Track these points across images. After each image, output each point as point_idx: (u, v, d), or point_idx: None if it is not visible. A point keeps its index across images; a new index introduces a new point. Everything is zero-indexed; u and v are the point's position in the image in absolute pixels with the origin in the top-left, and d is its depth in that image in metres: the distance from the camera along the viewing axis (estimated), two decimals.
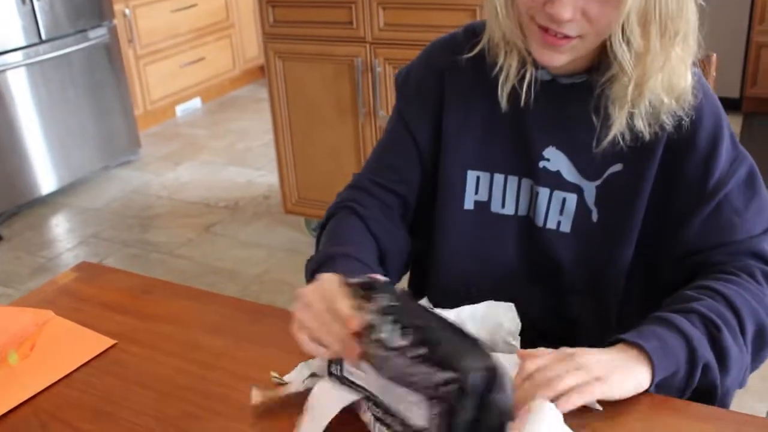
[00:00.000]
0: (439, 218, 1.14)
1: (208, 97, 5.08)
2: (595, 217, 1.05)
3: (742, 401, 2.09)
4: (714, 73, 1.28)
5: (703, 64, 1.25)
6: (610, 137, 0.99)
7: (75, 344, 1.06)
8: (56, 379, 0.99)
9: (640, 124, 0.98)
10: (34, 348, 1.05)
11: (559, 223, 1.07)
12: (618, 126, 0.98)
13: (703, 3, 1.00)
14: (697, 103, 1.00)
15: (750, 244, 1.00)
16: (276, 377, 0.93)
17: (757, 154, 3.90)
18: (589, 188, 1.05)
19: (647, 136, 0.99)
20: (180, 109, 4.88)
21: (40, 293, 1.20)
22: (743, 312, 0.93)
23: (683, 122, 0.99)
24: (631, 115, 0.98)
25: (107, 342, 1.05)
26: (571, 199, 1.06)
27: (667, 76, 0.95)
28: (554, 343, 0.92)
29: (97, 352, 1.04)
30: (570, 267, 1.08)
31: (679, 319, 0.91)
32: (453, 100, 1.11)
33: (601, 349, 0.89)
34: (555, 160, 1.05)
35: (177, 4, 4.57)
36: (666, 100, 0.97)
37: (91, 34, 3.79)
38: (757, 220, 1.02)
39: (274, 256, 3.05)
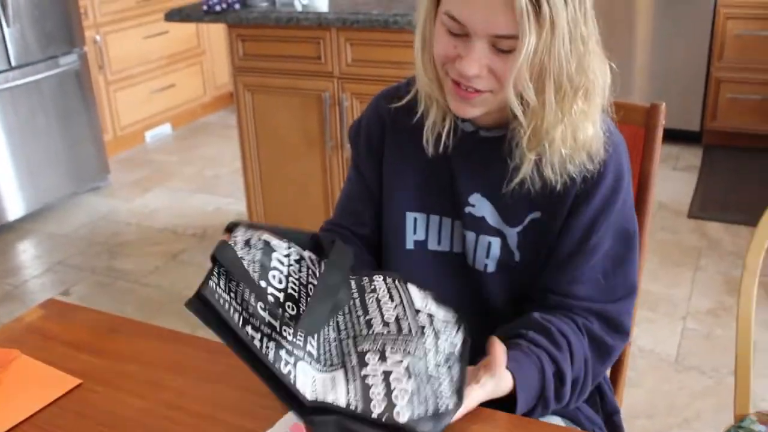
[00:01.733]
0: (386, 258, 1.22)
1: (178, 123, 5.09)
2: (517, 258, 1.13)
3: (693, 428, 2.15)
4: (663, 121, 1.33)
5: (652, 111, 1.30)
6: (515, 182, 1.06)
7: (40, 384, 1.07)
8: (22, 419, 1.01)
9: (549, 173, 1.05)
10: None
11: (485, 264, 1.14)
12: (523, 173, 1.05)
13: (612, 65, 1.08)
14: (606, 157, 1.06)
15: (602, 311, 1.10)
16: None
17: (718, 185, 4.00)
18: (511, 234, 1.12)
19: (558, 186, 1.06)
20: (150, 135, 4.89)
21: (6, 331, 1.22)
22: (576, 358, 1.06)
23: (589, 174, 1.06)
24: (537, 165, 1.05)
25: (72, 382, 1.08)
26: (496, 242, 1.13)
27: (569, 130, 1.02)
28: None
29: (62, 392, 1.06)
30: (498, 302, 1.16)
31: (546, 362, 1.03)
32: (391, 146, 1.20)
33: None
34: (480, 206, 1.12)
35: (148, 30, 4.60)
36: (568, 152, 1.03)
37: (62, 60, 3.80)
38: (620, 287, 1.10)
39: None
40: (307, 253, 1.03)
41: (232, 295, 0.90)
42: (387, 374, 0.87)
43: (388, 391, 0.85)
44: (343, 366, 0.91)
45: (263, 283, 0.93)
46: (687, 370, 2.42)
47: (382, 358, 0.90)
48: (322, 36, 2.65)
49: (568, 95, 0.99)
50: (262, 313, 0.90)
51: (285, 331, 0.90)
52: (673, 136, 4.13)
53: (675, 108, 3.98)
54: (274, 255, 0.98)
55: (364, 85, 2.63)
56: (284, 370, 0.86)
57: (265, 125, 2.92)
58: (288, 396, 0.84)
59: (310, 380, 0.87)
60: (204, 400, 1.03)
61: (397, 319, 0.96)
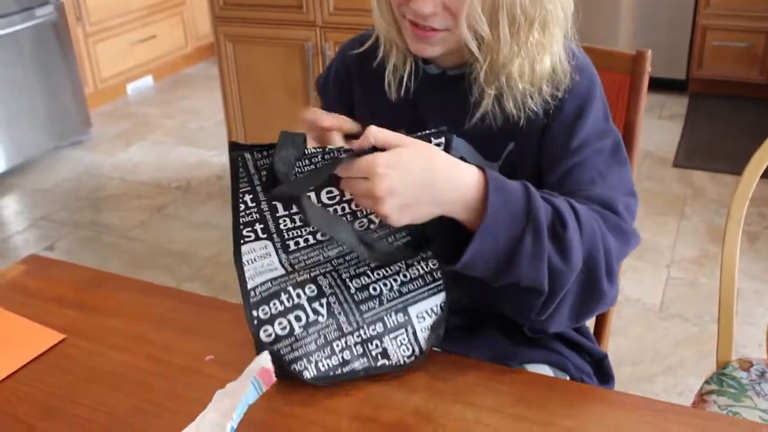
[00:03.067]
0: None
1: (159, 75, 5.03)
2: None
3: (677, 375, 2.18)
4: (649, 68, 1.32)
5: (638, 59, 1.29)
6: (476, 118, 1.04)
7: (23, 339, 1.07)
8: (5, 375, 1.01)
9: (510, 107, 1.03)
10: None
11: None
12: (483, 108, 1.03)
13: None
14: (573, 85, 1.04)
15: (605, 197, 1.01)
16: None
17: (703, 134, 4.02)
18: (493, 168, 1.08)
19: (521, 121, 1.04)
20: (131, 88, 4.83)
21: None
22: (584, 225, 0.94)
23: (552, 106, 1.03)
24: (498, 100, 1.03)
25: (56, 337, 1.07)
26: None
27: (526, 63, 1.00)
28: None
29: (46, 348, 1.05)
30: None
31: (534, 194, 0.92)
32: (358, 94, 1.18)
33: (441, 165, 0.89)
34: (457, 146, 1.09)
35: None
36: (527, 85, 1.01)
37: (38, 12, 3.72)
38: (618, 185, 1.03)
39: (227, 238, 3.05)
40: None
41: (263, 172, 0.96)
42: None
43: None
44: (295, 272, 0.99)
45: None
46: (671, 317, 2.45)
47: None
48: None
49: (523, 28, 0.97)
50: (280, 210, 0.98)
51: (281, 220, 0.98)
52: (658, 85, 4.11)
53: (661, 56, 3.97)
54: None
55: (347, 34, 2.56)
56: (246, 232, 0.99)
57: (247, 76, 2.88)
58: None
59: (260, 251, 0.99)
60: (188, 353, 1.03)
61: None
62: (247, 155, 0.94)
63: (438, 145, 0.93)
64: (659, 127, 3.85)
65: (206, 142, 4.01)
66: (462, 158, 1.06)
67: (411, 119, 1.12)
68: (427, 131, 0.93)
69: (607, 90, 1.16)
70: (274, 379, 0.87)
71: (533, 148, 1.07)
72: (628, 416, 0.89)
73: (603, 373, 1.24)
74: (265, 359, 0.86)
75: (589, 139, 1.04)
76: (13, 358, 1.03)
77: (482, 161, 1.10)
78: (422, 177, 0.87)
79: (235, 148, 0.94)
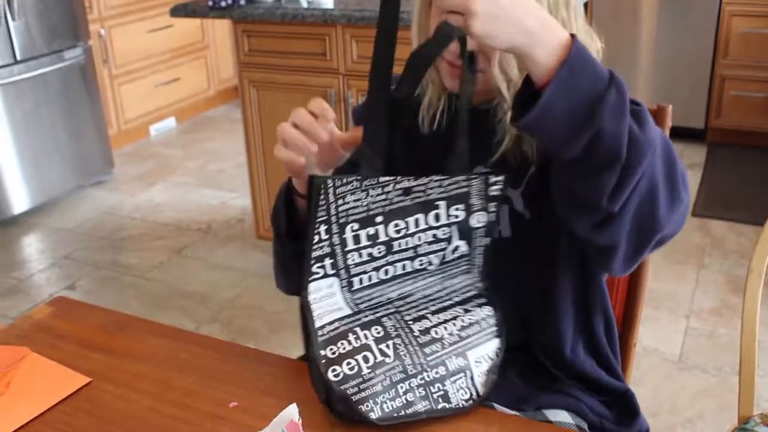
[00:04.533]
0: None
1: (182, 117, 5.10)
2: (528, 216, 1.12)
3: (696, 428, 2.15)
4: (670, 123, 1.33)
5: (658, 114, 1.30)
6: (495, 157, 1.08)
7: (50, 382, 1.08)
8: (32, 417, 1.02)
9: (526, 148, 1.07)
10: (9, 385, 1.08)
11: (499, 231, 1.13)
12: (503, 148, 1.07)
13: (602, 46, 1.08)
14: None
15: None
16: None
17: (722, 184, 4.00)
18: (516, 195, 1.11)
19: (535, 159, 1.07)
20: (154, 129, 4.90)
21: (15, 328, 1.23)
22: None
23: None
24: (518, 139, 1.07)
25: (82, 380, 1.08)
26: (504, 209, 1.12)
27: None
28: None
29: (72, 390, 1.07)
30: (523, 269, 1.15)
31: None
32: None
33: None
34: None
35: (153, 24, 4.60)
36: None
37: (67, 54, 3.81)
38: None
39: (246, 281, 3.08)
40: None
41: (340, 202, 0.96)
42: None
43: None
44: (361, 313, 1.02)
45: (379, 219, 0.99)
46: (690, 369, 2.43)
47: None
48: (328, 33, 2.66)
49: None
50: (349, 233, 0.99)
51: (349, 255, 1.00)
52: (677, 134, 4.11)
53: (679, 105, 3.98)
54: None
55: None
56: (315, 269, 0.99)
57: (270, 121, 2.92)
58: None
59: (325, 290, 1.00)
60: (212, 399, 1.04)
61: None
62: (330, 181, 0.94)
63: (496, 183, 1.02)
64: None
65: (227, 184, 4.05)
66: None
67: (443, 150, 1.15)
68: (486, 170, 1.02)
69: None
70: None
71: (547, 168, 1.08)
72: None
73: (626, 409, 1.21)
74: (293, 412, 0.87)
75: None
76: (39, 400, 1.05)
77: (507, 189, 1.11)
78: None
79: (312, 177, 0.95)
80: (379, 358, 0.98)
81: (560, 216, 1.01)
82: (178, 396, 1.05)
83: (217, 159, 4.43)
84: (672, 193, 0.94)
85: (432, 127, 1.16)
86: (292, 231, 1.13)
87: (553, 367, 1.16)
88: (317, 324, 0.99)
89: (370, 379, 0.96)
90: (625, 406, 1.21)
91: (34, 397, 1.05)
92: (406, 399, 0.97)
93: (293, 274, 1.15)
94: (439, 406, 0.98)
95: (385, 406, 0.96)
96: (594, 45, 1.06)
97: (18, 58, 3.58)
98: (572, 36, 0.88)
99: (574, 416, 1.14)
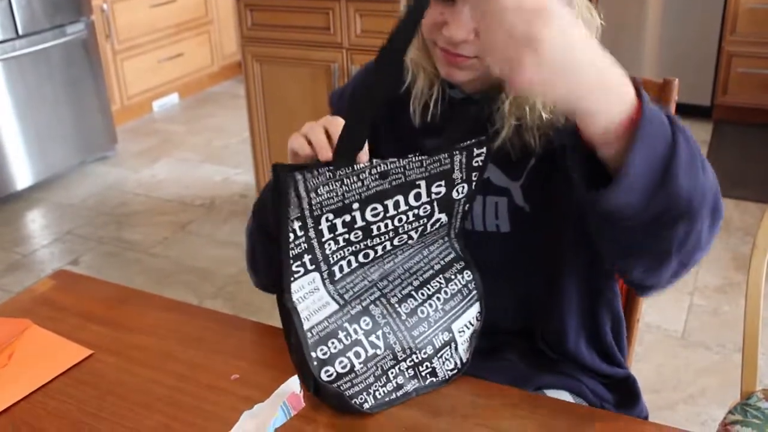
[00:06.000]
0: None
1: (185, 93, 5.08)
2: (528, 209, 1.09)
3: (699, 404, 2.16)
4: (676, 97, 1.32)
5: (665, 87, 1.29)
6: (496, 145, 1.02)
7: (52, 354, 1.08)
8: (34, 389, 1.02)
9: (528, 137, 1.03)
10: (12, 357, 1.08)
11: (497, 225, 1.11)
12: (501, 138, 1.03)
13: (602, 23, 1.03)
14: None
15: None
16: None
17: (728, 161, 3.98)
18: (515, 188, 1.08)
19: (538, 149, 1.03)
20: (157, 105, 4.88)
21: (17, 301, 1.23)
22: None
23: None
24: (518, 128, 1.03)
25: (84, 352, 1.08)
26: (502, 202, 1.09)
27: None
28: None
29: (74, 362, 1.07)
30: (520, 264, 1.12)
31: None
32: (379, 118, 1.15)
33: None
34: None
35: None
36: (549, 116, 1.01)
37: (69, 29, 3.78)
38: None
39: None
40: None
41: (312, 195, 0.92)
42: None
43: None
44: (348, 305, 0.99)
45: (355, 206, 0.95)
46: (693, 345, 2.43)
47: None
48: (332, 6, 2.64)
49: None
50: (324, 222, 0.94)
51: (326, 245, 0.96)
52: (683, 111, 4.07)
53: (686, 82, 3.94)
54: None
55: (373, 56, 2.60)
56: (295, 267, 0.94)
57: (273, 96, 2.91)
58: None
59: (308, 287, 0.97)
60: (214, 371, 1.03)
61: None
62: (299, 176, 0.90)
63: (479, 155, 0.96)
64: None
65: (230, 160, 4.04)
66: (488, 179, 1.08)
67: (435, 144, 1.13)
68: (470, 142, 0.95)
69: None
70: (303, 404, 0.87)
71: (556, 161, 1.04)
72: None
73: (627, 393, 1.21)
74: (295, 384, 0.87)
75: None
76: (41, 373, 1.05)
77: (507, 181, 1.10)
78: (586, 36, 0.72)
79: (279, 169, 0.91)
80: (371, 351, 0.98)
81: (606, 266, 0.96)
82: (179, 368, 1.05)
83: (220, 135, 4.42)
84: (715, 216, 0.89)
85: (425, 119, 1.11)
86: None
87: (552, 354, 1.15)
88: (305, 326, 0.96)
89: (362, 373, 0.97)
90: (626, 391, 1.21)
91: (36, 369, 1.06)
92: (396, 383, 0.98)
93: (261, 271, 1.14)
94: (427, 382, 0.99)
95: (377, 393, 0.96)
96: (594, 22, 1.03)
97: (20, 32, 3.56)
98: (634, 82, 0.77)
99: (575, 396, 1.14)
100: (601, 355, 1.19)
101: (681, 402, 2.19)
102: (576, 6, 1.00)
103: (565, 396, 1.12)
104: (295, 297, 0.96)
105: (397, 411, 0.95)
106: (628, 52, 4.20)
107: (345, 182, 0.92)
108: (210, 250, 3.14)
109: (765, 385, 1.42)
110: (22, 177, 3.69)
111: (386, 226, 0.97)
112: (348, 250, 0.98)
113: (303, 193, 0.91)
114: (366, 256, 1.00)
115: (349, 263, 0.99)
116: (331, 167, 0.91)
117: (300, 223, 0.93)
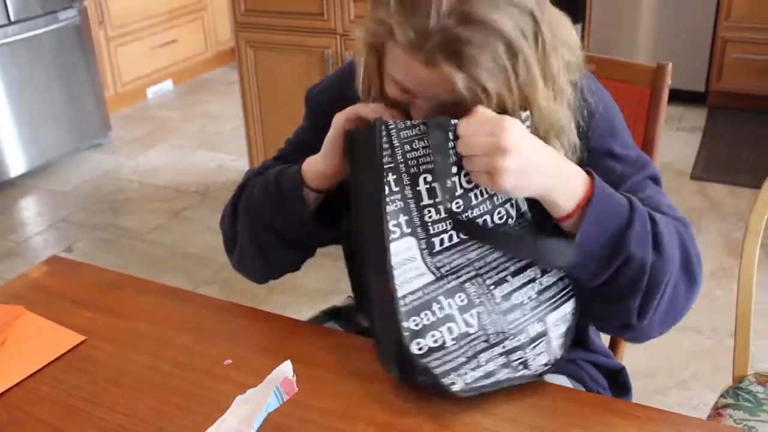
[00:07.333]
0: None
1: (179, 80, 5.06)
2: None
3: (691, 389, 2.17)
4: (670, 82, 1.32)
5: (658, 72, 1.29)
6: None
7: (45, 340, 1.09)
8: (27, 375, 1.02)
9: None
10: (5, 343, 1.08)
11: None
12: None
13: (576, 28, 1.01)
14: (590, 120, 1.01)
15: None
16: None
17: (722, 147, 3.97)
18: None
19: None
20: (151, 92, 4.87)
21: (10, 287, 1.23)
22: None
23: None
24: None
25: (77, 338, 1.09)
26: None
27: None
28: None
29: (67, 348, 1.07)
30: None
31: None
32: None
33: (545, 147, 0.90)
34: None
35: None
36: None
37: (62, 15, 3.76)
38: (671, 208, 1.03)
39: None
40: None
41: (406, 148, 0.88)
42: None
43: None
44: (444, 279, 0.93)
45: (454, 169, 0.90)
46: (685, 330, 2.44)
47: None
48: None
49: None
50: (422, 184, 0.90)
51: (425, 211, 0.91)
52: (677, 97, 4.10)
53: (680, 68, 3.94)
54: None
55: None
56: (392, 226, 0.89)
57: (267, 82, 2.90)
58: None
59: (406, 253, 0.90)
60: (208, 357, 1.04)
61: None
62: (392, 124, 0.85)
63: None
64: (677, 138, 3.84)
65: (225, 146, 4.03)
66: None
67: None
68: None
69: (627, 103, 1.17)
70: (296, 388, 0.87)
71: None
72: (643, 428, 0.89)
73: (619, 385, 1.24)
74: (287, 369, 0.87)
75: (625, 175, 1.03)
76: (34, 359, 1.05)
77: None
78: (543, 144, 0.89)
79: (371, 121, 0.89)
80: (464, 328, 0.91)
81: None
82: (173, 354, 1.05)
83: (214, 121, 4.41)
84: (691, 283, 1.01)
85: None
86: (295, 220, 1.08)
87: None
88: (399, 293, 0.89)
89: (453, 351, 0.91)
90: (618, 383, 1.24)
91: (29, 355, 1.06)
92: (486, 369, 0.93)
93: (275, 258, 1.14)
94: (519, 374, 0.95)
95: (467, 376, 0.92)
96: (578, 61, 0.98)
97: (12, 19, 3.54)
98: (589, 173, 0.92)
99: (573, 381, 1.14)
100: (590, 351, 1.21)
101: (674, 387, 2.20)
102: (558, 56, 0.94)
103: (562, 380, 1.12)
104: (393, 261, 0.89)
105: (387, 392, 0.95)
106: (623, 37, 4.19)
107: (404, 135, 0.88)
108: (205, 237, 3.14)
109: (756, 369, 1.43)
110: (16, 164, 3.68)
111: (482, 193, 0.93)
112: (449, 222, 0.92)
113: (396, 142, 0.87)
114: (468, 230, 0.93)
115: (450, 237, 0.92)
116: (425, 122, 0.87)
117: (395, 176, 0.88)
